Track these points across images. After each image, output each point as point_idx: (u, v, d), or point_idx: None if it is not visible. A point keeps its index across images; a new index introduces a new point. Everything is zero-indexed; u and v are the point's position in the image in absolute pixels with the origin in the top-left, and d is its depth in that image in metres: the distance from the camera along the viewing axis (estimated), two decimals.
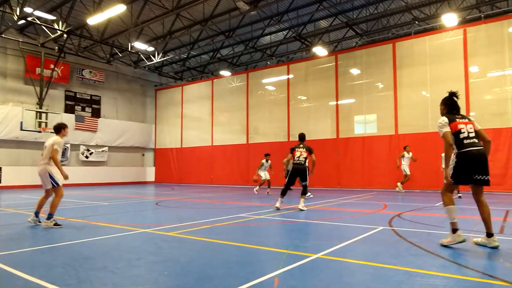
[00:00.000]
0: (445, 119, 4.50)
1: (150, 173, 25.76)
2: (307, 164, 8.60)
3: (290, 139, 19.27)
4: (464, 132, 4.37)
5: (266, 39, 20.80)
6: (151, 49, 19.87)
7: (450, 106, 4.66)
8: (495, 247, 4.24)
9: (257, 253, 4.33)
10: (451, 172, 4.38)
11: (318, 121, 18.62)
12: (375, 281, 3.20)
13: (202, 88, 23.80)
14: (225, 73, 22.27)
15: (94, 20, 14.82)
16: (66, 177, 6.14)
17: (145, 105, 25.93)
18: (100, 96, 22.91)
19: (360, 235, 5.30)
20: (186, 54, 22.62)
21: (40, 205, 6.34)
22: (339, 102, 17.91)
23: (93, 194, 14.16)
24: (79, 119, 21.37)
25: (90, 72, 22.16)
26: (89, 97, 22.38)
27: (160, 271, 3.56)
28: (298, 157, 8.58)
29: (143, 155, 25.64)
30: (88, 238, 5.18)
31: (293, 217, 7.39)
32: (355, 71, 17.84)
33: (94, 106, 22.62)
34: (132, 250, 4.51)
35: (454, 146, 4.40)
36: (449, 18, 14.36)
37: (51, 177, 6.13)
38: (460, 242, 4.29)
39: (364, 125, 17.63)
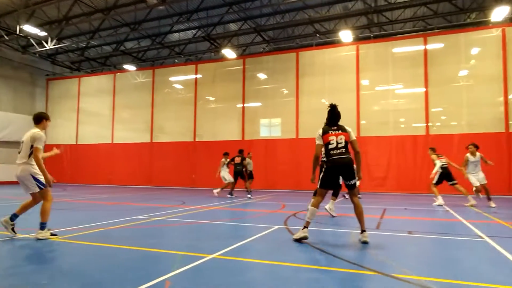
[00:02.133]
0: (320, 132, 5.11)
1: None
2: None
3: (196, 139, 19.12)
4: (333, 143, 4.95)
5: (175, 36, 20.31)
6: (43, 34, 17.79)
7: (328, 118, 5.25)
8: (364, 242, 4.78)
9: (151, 256, 4.18)
10: (320, 177, 4.97)
11: (225, 122, 18.83)
12: (265, 277, 3.35)
13: (102, 81, 22.21)
14: (129, 67, 21.11)
15: None
16: (49, 183, 4.94)
17: (34, 95, 23.16)
18: None
19: (256, 234, 5.49)
20: (85, 43, 20.87)
21: (23, 209, 5.16)
22: (245, 105, 18.36)
23: None
24: None
25: None
26: None
27: (38, 280, 3.21)
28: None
29: None
30: None
31: (193, 218, 7.32)
32: (261, 76, 18.49)
33: None
34: (7, 258, 4.00)
35: (324, 155, 5.02)
36: (345, 35, 15.79)
37: (35, 178, 4.90)
38: (302, 238, 4.81)
39: (269, 128, 18.36)
